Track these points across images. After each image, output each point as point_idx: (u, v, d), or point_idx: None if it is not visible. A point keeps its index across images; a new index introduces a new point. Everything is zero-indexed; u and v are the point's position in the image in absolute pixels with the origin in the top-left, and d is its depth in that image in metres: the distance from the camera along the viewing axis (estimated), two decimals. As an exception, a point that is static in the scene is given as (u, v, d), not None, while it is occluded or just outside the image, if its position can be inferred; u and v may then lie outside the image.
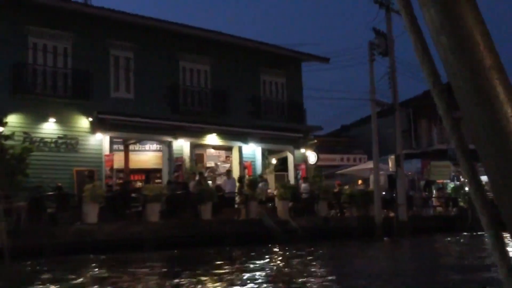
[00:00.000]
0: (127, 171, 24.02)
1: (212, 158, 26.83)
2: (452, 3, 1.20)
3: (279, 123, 25.14)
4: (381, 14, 23.52)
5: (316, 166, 31.99)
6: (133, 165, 24.54)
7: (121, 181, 22.36)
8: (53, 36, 19.54)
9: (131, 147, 24.63)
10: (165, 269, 13.86)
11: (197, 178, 20.36)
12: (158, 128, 21.32)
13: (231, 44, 24.10)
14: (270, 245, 18.92)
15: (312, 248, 17.99)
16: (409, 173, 33.57)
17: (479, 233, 26.65)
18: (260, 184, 23.25)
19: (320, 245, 19.05)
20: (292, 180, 25.15)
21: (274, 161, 27.67)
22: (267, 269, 13.14)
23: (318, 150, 34.90)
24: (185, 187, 19.47)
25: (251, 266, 13.55)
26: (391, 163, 23.57)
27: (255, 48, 24.86)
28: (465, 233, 26.14)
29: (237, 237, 19.07)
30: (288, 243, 19.26)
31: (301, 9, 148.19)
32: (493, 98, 1.19)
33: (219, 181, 23.35)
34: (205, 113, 22.98)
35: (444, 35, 1.22)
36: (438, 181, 33.30)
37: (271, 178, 26.19)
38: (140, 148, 25.01)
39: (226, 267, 13.49)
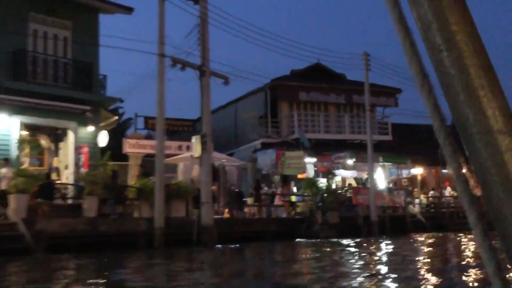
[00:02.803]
0: None
1: None
2: (441, 4, 1.22)
3: (58, 89, 18.43)
4: None
5: (141, 154, 25.54)
6: None
7: None
8: None
9: None
10: None
11: None
12: None
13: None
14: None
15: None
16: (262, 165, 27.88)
17: (324, 240, 21.27)
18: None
19: (53, 260, 12.65)
20: (71, 167, 18.55)
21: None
22: None
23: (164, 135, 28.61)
24: None
25: None
26: (195, 147, 17.39)
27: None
28: (307, 240, 20.55)
29: None
30: (6, 257, 12.73)
31: None
32: (481, 97, 1.19)
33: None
34: None
35: (433, 34, 1.23)
36: (301, 175, 27.79)
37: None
38: None
39: None
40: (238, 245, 17.69)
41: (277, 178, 26.96)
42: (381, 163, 26.32)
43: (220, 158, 20.24)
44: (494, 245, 1.19)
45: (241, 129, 30.62)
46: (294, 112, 28.87)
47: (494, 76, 1.22)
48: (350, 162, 24.98)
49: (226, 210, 21.16)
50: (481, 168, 1.19)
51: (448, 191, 28.72)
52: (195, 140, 17.39)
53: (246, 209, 23.14)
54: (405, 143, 31.06)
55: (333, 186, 27.94)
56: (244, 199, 22.13)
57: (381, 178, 29.41)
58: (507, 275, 1.19)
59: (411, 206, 27.88)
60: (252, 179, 28.16)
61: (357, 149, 28.22)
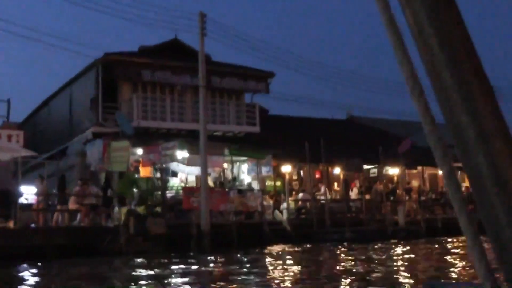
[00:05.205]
0: None
1: None
2: (434, 7, 1.23)
3: None
4: None
5: None
6: None
7: None
8: None
9: None
10: None
11: None
12: None
13: None
14: None
15: None
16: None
17: (126, 257, 15.72)
18: None
19: None
20: None
21: None
22: None
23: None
24: None
25: None
26: None
27: None
28: (97, 258, 14.98)
29: None
30: None
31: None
32: (474, 100, 1.19)
33: None
34: None
35: (426, 36, 1.24)
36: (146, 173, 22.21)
37: None
38: None
39: None
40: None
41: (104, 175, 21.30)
42: (227, 157, 21.11)
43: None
44: (484, 248, 1.16)
45: (76, 117, 24.78)
46: (134, 95, 23.21)
47: (485, 78, 1.22)
48: (183, 154, 19.56)
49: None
50: (474, 169, 1.19)
51: (321, 193, 23.82)
52: None
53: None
54: (279, 137, 26.12)
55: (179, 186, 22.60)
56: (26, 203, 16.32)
57: (250, 176, 24.43)
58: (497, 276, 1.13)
59: (277, 211, 22.86)
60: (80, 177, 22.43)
61: (219, 141, 23.04)
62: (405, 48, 1.27)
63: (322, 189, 23.36)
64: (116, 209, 16.97)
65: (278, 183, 25.64)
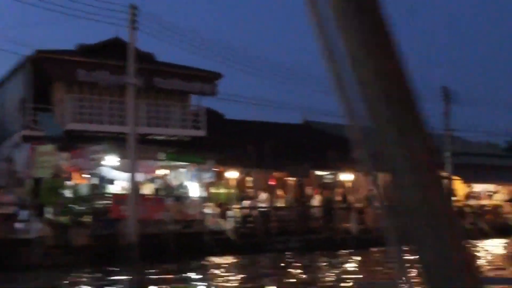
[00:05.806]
0: None
1: None
2: (368, 36, 1.23)
3: None
4: None
5: None
6: None
7: None
8: None
9: None
10: None
11: None
12: None
13: None
14: None
15: None
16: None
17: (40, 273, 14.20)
18: None
19: None
20: None
21: None
22: None
23: None
24: None
25: None
26: None
27: None
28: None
29: None
30: None
31: None
32: (408, 134, 1.21)
33: None
34: None
35: (360, 67, 1.23)
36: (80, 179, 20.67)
37: None
38: None
39: None
40: None
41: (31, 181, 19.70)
42: (162, 162, 19.75)
43: None
44: (408, 265, 1.23)
45: (6, 119, 23.13)
46: (67, 95, 21.63)
47: (419, 112, 1.22)
48: (114, 159, 18.12)
49: None
50: (407, 201, 1.20)
51: (259, 199, 22.58)
52: None
53: None
54: (227, 141, 24.82)
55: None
56: None
57: (192, 182, 22.97)
58: None
59: (219, 220, 21.52)
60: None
61: (163, 146, 21.68)
62: (342, 76, 1.24)
63: (262, 196, 22.12)
64: (33, 219, 15.45)
65: (232, 190, 24.40)
